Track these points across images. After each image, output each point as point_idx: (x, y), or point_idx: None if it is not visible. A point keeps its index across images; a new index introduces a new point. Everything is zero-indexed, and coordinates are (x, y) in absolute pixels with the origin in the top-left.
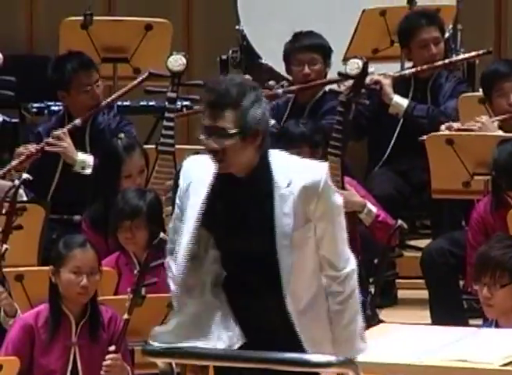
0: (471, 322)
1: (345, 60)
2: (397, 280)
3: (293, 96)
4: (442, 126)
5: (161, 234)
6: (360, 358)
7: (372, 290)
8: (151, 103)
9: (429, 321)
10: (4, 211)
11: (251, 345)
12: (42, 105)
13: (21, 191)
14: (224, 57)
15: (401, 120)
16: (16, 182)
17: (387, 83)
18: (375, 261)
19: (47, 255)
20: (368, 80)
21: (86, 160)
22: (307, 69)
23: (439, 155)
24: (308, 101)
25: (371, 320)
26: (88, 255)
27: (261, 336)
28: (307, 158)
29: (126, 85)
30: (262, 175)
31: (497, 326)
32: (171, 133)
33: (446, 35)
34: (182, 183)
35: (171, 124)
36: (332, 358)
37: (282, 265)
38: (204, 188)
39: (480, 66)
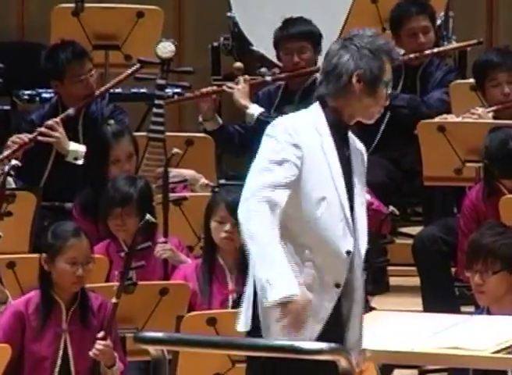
0: (463, 309)
1: None
2: (389, 268)
3: (284, 83)
4: (436, 118)
5: (147, 216)
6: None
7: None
8: (142, 90)
9: (421, 308)
10: None
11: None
12: (33, 92)
13: (9, 178)
14: (215, 44)
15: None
16: (6, 168)
17: None
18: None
19: (38, 243)
20: None
21: (78, 150)
22: (296, 58)
23: (430, 142)
24: (299, 88)
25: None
26: (83, 245)
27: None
28: None
29: (117, 72)
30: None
31: (489, 313)
32: (161, 120)
33: (438, 22)
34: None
35: (161, 111)
36: (323, 346)
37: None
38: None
39: (472, 54)
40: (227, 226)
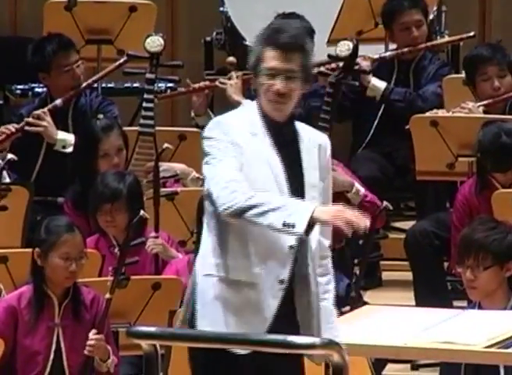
0: (455, 303)
1: (329, 42)
2: (382, 262)
3: None
4: (427, 113)
5: (141, 212)
6: (344, 340)
7: (357, 271)
8: (135, 85)
9: (413, 303)
10: None
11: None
12: (26, 86)
13: (4, 173)
14: (208, 39)
15: (383, 105)
16: (0, 162)
17: (365, 65)
18: (360, 242)
19: (31, 237)
20: None
21: (66, 139)
22: None
23: (423, 137)
24: None
25: (356, 302)
26: (76, 241)
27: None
28: None
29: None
30: (293, 124)
31: (480, 308)
32: (151, 114)
33: (430, 17)
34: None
35: (150, 105)
36: (316, 340)
37: None
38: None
39: (464, 48)
40: None
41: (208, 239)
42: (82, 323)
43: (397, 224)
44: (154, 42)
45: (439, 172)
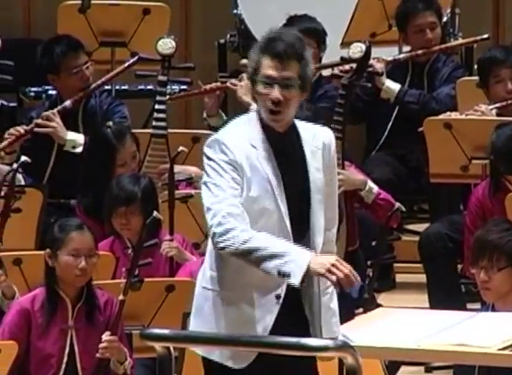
0: (469, 306)
1: (343, 44)
2: (395, 265)
3: None
4: (441, 116)
5: (155, 213)
6: (358, 342)
7: (370, 273)
8: (148, 87)
9: (427, 305)
10: (2, 194)
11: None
12: (40, 89)
13: (19, 175)
14: (222, 41)
15: (398, 106)
16: (15, 165)
17: (379, 67)
18: (373, 243)
19: (44, 239)
20: None
21: (76, 139)
22: None
23: (437, 139)
24: None
25: (370, 304)
26: (86, 238)
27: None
28: None
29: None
30: (294, 134)
31: (494, 309)
32: (163, 116)
33: (444, 19)
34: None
35: (162, 107)
36: (329, 342)
37: (313, 221)
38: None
39: (478, 51)
40: None
41: (211, 252)
42: (95, 325)
43: (411, 226)
44: (166, 44)
45: (453, 174)
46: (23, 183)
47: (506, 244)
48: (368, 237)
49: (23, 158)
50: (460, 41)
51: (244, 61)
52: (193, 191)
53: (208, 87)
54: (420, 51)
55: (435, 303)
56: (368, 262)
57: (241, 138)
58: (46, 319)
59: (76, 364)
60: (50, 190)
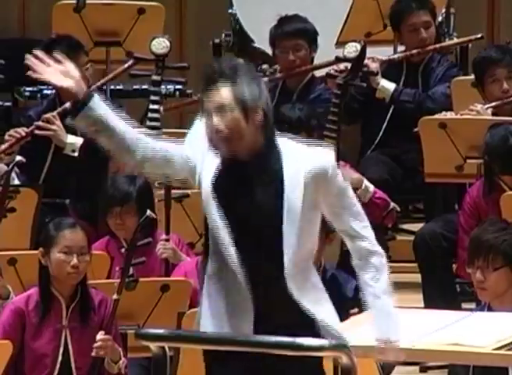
0: (464, 305)
1: (338, 44)
2: (390, 264)
3: (281, 81)
4: (436, 115)
5: (148, 212)
6: (353, 342)
7: None
8: (143, 87)
9: (422, 305)
10: None
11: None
12: (35, 88)
13: (12, 174)
14: (217, 41)
15: (393, 106)
16: (10, 165)
17: (374, 66)
18: None
19: (39, 239)
20: None
21: (76, 143)
22: (291, 56)
23: (432, 139)
24: (296, 86)
25: (364, 304)
26: (77, 235)
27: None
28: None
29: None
30: (270, 160)
31: (490, 309)
32: (157, 115)
33: (439, 19)
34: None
35: (156, 107)
36: (324, 342)
37: (286, 242)
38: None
39: (473, 50)
40: None
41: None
42: (90, 325)
43: (406, 226)
44: (160, 44)
45: (448, 174)
46: (16, 181)
47: (502, 244)
48: None
49: (18, 157)
50: (455, 40)
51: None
52: (189, 191)
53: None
54: (414, 51)
55: (430, 303)
56: None
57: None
58: (40, 319)
59: (71, 364)
60: (46, 189)
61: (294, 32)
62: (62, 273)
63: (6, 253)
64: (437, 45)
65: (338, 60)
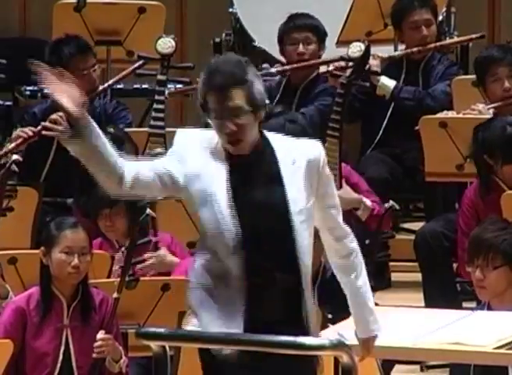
0: (465, 304)
1: (338, 43)
2: (390, 263)
3: (286, 78)
4: (437, 115)
5: (148, 210)
6: (353, 341)
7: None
8: (144, 86)
9: (423, 304)
10: None
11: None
12: (35, 88)
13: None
14: (217, 40)
15: (393, 102)
16: (7, 163)
17: (375, 64)
18: (367, 242)
19: (40, 238)
20: None
21: None
22: (301, 48)
23: (432, 138)
24: (301, 83)
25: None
26: (79, 236)
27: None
28: None
29: (119, 68)
30: (266, 153)
31: (489, 308)
32: (161, 115)
33: (440, 18)
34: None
35: (161, 107)
36: (325, 341)
37: (299, 242)
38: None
39: (473, 49)
40: None
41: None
42: (91, 324)
43: (406, 225)
44: (166, 44)
45: (448, 173)
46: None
47: (502, 243)
48: (361, 234)
49: (14, 156)
50: (456, 39)
51: None
52: None
53: None
54: (415, 49)
55: (431, 302)
56: None
57: (203, 145)
58: (41, 318)
59: (72, 363)
60: (47, 188)
61: (306, 25)
62: (63, 273)
63: (7, 252)
64: (438, 43)
65: (342, 60)
